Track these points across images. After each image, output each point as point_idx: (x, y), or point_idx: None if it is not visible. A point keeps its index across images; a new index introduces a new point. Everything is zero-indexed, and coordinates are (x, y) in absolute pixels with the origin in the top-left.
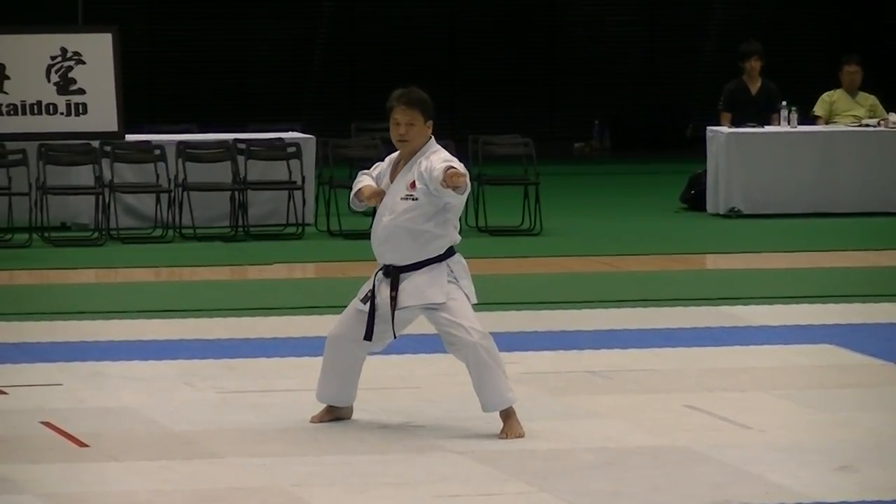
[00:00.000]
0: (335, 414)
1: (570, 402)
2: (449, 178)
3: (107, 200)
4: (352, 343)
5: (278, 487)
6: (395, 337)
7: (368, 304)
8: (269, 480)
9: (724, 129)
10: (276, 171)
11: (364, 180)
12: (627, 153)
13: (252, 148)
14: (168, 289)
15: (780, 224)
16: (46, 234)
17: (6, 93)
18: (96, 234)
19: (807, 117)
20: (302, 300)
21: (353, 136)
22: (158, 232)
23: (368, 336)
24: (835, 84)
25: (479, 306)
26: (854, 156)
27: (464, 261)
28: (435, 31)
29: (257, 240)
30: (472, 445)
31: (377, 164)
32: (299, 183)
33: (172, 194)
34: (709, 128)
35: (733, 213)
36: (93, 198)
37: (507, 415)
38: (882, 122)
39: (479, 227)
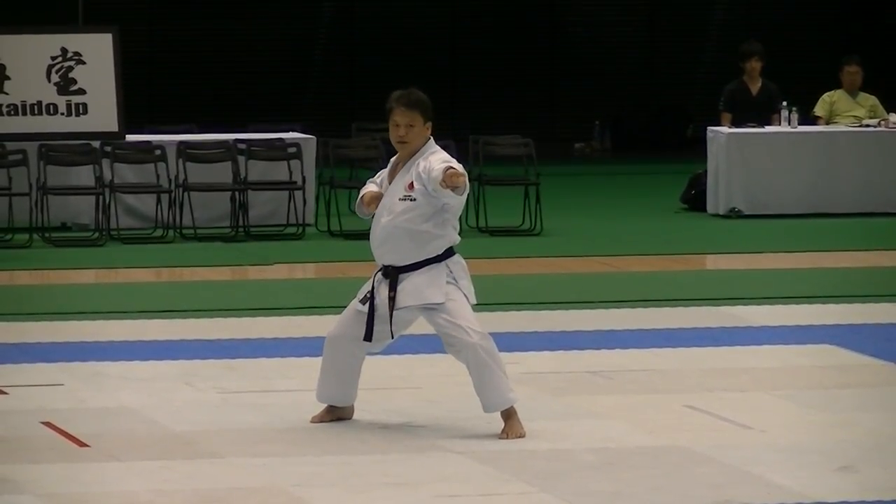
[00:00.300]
0: (336, 414)
1: (570, 403)
2: (448, 179)
3: (107, 201)
4: (351, 343)
5: (279, 487)
6: (392, 338)
7: (367, 304)
8: (269, 480)
9: (725, 129)
10: (277, 171)
11: (368, 187)
12: (628, 153)
13: (252, 148)
14: (168, 289)
15: (781, 224)
16: (47, 235)
17: (6, 93)
18: (97, 235)
19: (807, 118)
20: (302, 300)
21: (354, 137)
22: (159, 232)
23: (368, 337)
24: (835, 84)
25: (479, 306)
26: (854, 156)
27: (463, 261)
28: (435, 31)
29: (257, 240)
30: (473, 445)
31: (381, 171)
32: (300, 183)
33: (173, 194)
34: (709, 128)
35: (734, 214)
36: (93, 198)
37: (508, 415)
38: (882, 123)
39: (480, 228)
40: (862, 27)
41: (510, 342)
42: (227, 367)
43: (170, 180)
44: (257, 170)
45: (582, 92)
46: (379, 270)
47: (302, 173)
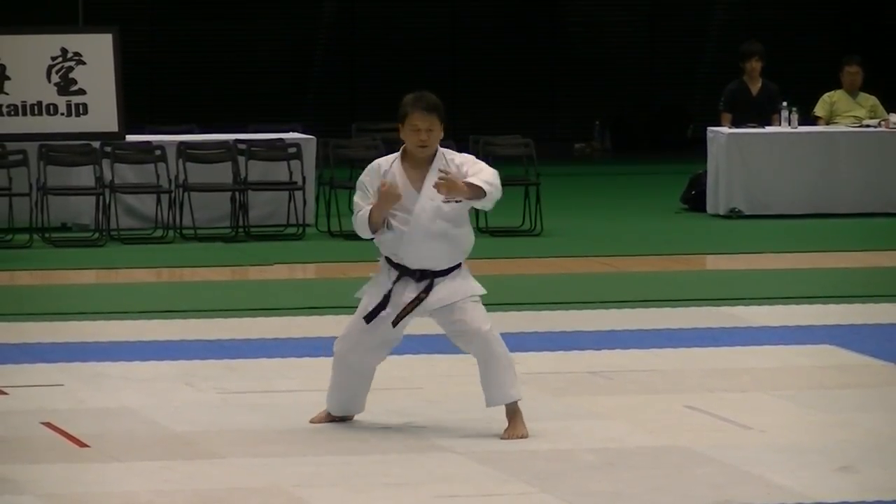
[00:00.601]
0: (338, 417)
1: (570, 403)
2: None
3: (107, 201)
4: (366, 355)
5: (279, 488)
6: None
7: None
8: (269, 481)
9: (725, 129)
10: (277, 171)
11: (365, 208)
12: (628, 154)
13: (252, 148)
14: (169, 289)
15: (781, 225)
16: (47, 235)
17: (7, 93)
18: (97, 235)
19: (807, 118)
20: (302, 301)
21: (354, 137)
22: (159, 232)
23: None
24: (836, 85)
25: None
26: (855, 156)
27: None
28: (436, 31)
29: (258, 240)
30: (473, 446)
31: (363, 182)
32: (300, 183)
33: (173, 195)
34: (709, 128)
35: (734, 214)
36: (93, 198)
37: (513, 415)
38: (883, 123)
39: (480, 228)
40: (862, 27)
41: (511, 342)
42: (228, 367)
43: (170, 180)
44: (257, 170)
45: (582, 92)
46: (399, 275)
47: (302, 173)
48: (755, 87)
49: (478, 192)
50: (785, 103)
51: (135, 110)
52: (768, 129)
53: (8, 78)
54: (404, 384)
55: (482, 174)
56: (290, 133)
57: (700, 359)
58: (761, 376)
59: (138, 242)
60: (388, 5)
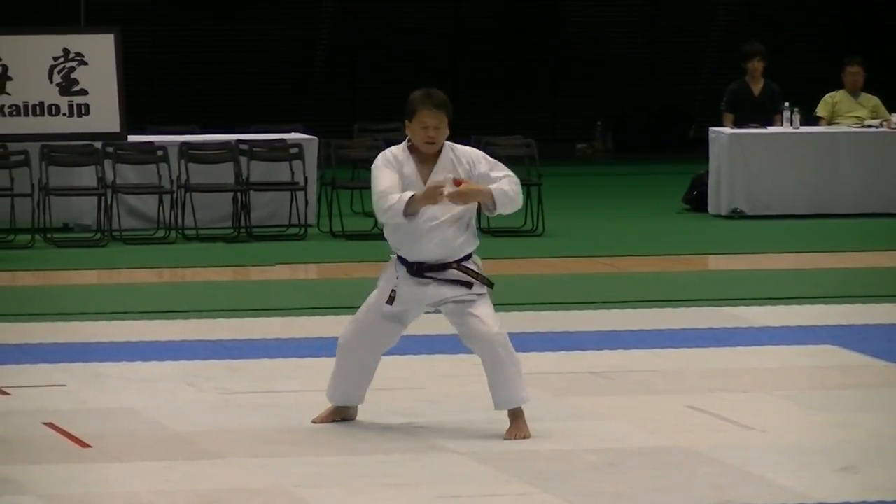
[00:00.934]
0: (339, 415)
1: (572, 403)
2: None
3: (109, 201)
4: (371, 347)
5: (281, 488)
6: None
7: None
8: (271, 481)
9: (727, 129)
10: (279, 171)
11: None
12: (630, 154)
13: (254, 149)
14: (170, 290)
15: (783, 225)
16: (49, 235)
17: (9, 94)
18: (99, 235)
19: (809, 118)
20: (304, 301)
21: (356, 137)
22: (161, 233)
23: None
24: (837, 85)
25: None
26: (856, 157)
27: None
28: (437, 31)
29: (259, 241)
30: (475, 446)
31: (384, 167)
32: (301, 184)
33: (175, 195)
34: (711, 128)
35: (736, 214)
36: (95, 199)
37: (516, 415)
38: (884, 123)
39: (482, 228)
40: (864, 27)
41: (512, 342)
42: (229, 367)
43: (172, 181)
44: (259, 170)
45: (584, 92)
46: (405, 267)
47: (304, 174)
48: (757, 87)
49: (489, 199)
50: (787, 103)
51: (137, 111)
52: (770, 129)
53: (10, 78)
54: (406, 384)
55: (503, 183)
56: (292, 133)
57: (701, 359)
58: (763, 377)
59: (140, 243)
60: (390, 5)
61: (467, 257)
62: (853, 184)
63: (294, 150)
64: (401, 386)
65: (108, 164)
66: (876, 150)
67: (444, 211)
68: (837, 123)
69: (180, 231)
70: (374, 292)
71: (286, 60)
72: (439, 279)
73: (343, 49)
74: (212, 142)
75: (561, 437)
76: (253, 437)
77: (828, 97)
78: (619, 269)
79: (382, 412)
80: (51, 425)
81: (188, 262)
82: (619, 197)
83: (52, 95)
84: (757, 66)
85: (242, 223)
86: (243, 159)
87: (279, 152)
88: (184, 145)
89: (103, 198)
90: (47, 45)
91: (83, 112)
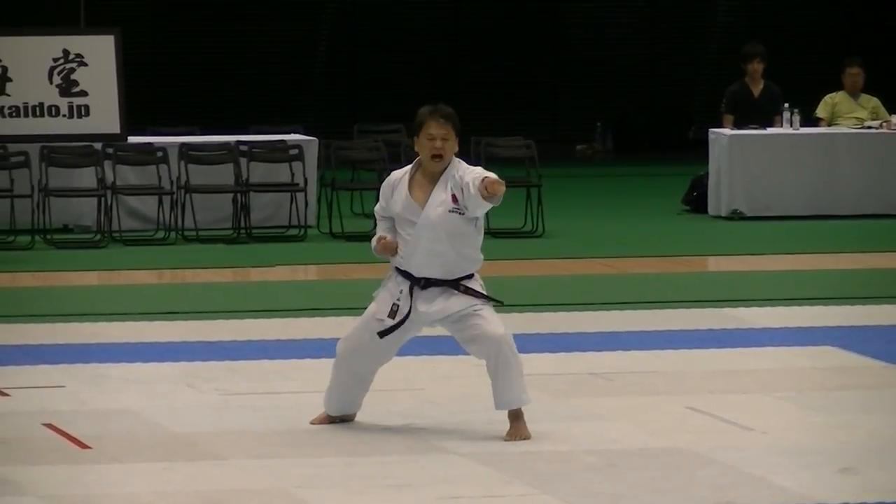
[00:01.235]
0: (336, 418)
1: (572, 404)
2: (490, 186)
3: (109, 202)
4: (370, 360)
5: (280, 489)
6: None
7: (398, 316)
8: (271, 482)
9: (727, 131)
10: (279, 173)
11: (381, 225)
12: (629, 155)
13: (254, 150)
14: (170, 291)
15: (782, 226)
16: (49, 237)
17: (8, 95)
18: (98, 237)
19: (809, 119)
20: (304, 302)
21: (356, 138)
22: (161, 234)
23: (384, 335)
24: (837, 86)
25: None
26: (856, 158)
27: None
28: (437, 32)
29: (259, 242)
30: (475, 447)
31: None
32: (301, 185)
33: (175, 196)
34: (711, 130)
35: (735, 216)
36: (95, 200)
37: (516, 416)
38: (884, 125)
39: None
40: (864, 29)
41: None
42: (229, 368)
43: (171, 182)
44: (259, 171)
45: (584, 93)
46: (409, 283)
47: (304, 175)
48: (757, 88)
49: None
50: (786, 105)
51: (136, 112)
52: (770, 130)
53: (10, 79)
54: (406, 385)
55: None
56: (292, 134)
57: (701, 360)
58: (762, 378)
59: (140, 244)
60: (390, 7)
61: (469, 276)
62: (853, 185)
63: (294, 152)
64: (401, 387)
65: (107, 165)
66: (876, 151)
67: (436, 229)
68: (837, 125)
69: (180, 232)
70: (372, 305)
71: (286, 61)
72: (445, 295)
73: (343, 50)
74: (212, 143)
75: (561, 439)
76: (252, 438)
77: (828, 98)
78: (618, 270)
79: (382, 413)
80: (50, 426)
81: (188, 264)
82: (618, 198)
83: (51, 96)
84: (757, 67)
85: (242, 224)
86: (243, 160)
87: (279, 153)
88: (184, 146)
89: (103, 199)
90: (47, 46)
91: (83, 113)
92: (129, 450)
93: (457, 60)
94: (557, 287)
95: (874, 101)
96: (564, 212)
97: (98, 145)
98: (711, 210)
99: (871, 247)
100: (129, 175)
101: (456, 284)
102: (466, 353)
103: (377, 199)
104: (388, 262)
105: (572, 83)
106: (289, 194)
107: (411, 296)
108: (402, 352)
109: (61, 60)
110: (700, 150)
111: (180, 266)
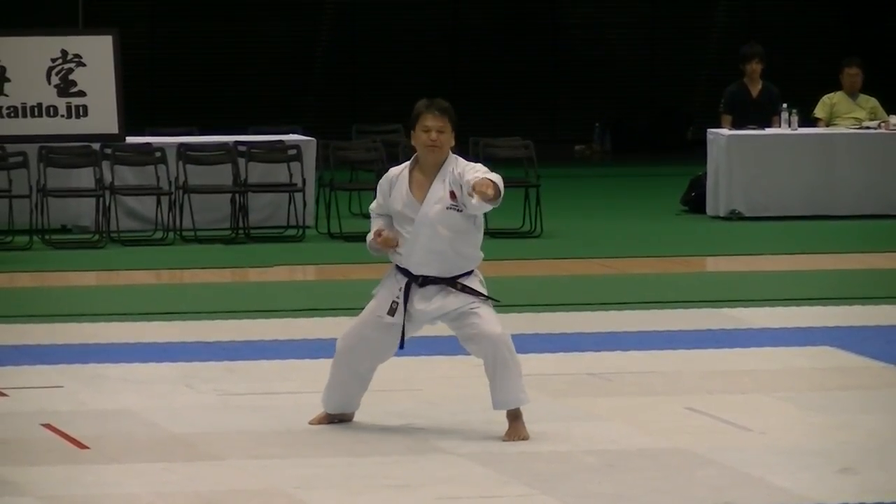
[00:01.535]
0: (335, 417)
1: (570, 405)
2: (478, 186)
3: (107, 203)
4: (370, 356)
5: (279, 489)
6: (401, 347)
7: (397, 314)
8: (270, 482)
9: (725, 131)
10: (277, 173)
11: (376, 225)
12: (628, 156)
13: (252, 150)
14: (168, 291)
15: (781, 226)
16: (47, 237)
17: (7, 95)
18: (97, 237)
19: (807, 120)
20: (302, 303)
21: (354, 139)
22: (159, 234)
23: (402, 345)
24: (836, 86)
25: None
26: (855, 158)
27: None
28: (436, 33)
29: (258, 242)
30: (474, 447)
31: (378, 191)
32: (300, 185)
33: (173, 197)
34: (709, 130)
35: (734, 216)
36: (93, 200)
37: (514, 417)
38: (883, 125)
39: None
40: (862, 29)
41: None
42: (228, 369)
43: (170, 182)
44: (257, 172)
45: (582, 94)
46: (408, 280)
47: (302, 175)
48: (755, 88)
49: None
50: (785, 105)
51: (135, 112)
52: (768, 130)
53: (8, 80)
54: (405, 386)
55: (490, 174)
56: (290, 135)
57: (700, 360)
58: (761, 378)
59: (138, 244)
60: (389, 7)
61: (468, 274)
62: (851, 185)
63: (292, 152)
64: (400, 387)
65: (106, 165)
66: (874, 151)
67: (435, 226)
68: (836, 125)
69: (178, 232)
70: (372, 302)
71: (285, 62)
72: (443, 293)
73: (342, 50)
74: (210, 143)
75: (559, 439)
76: (251, 438)
77: (826, 98)
78: (617, 271)
79: (381, 413)
80: (49, 427)
81: (186, 264)
82: (617, 198)
83: (50, 97)
84: (755, 67)
85: (240, 224)
86: (241, 161)
87: (277, 154)
88: (182, 147)
89: (101, 199)
90: (45, 47)
91: (81, 113)
92: (128, 450)
93: (456, 60)
94: (556, 287)
95: (872, 102)
96: (563, 212)
97: (96, 145)
98: (710, 210)
99: (870, 247)
100: (128, 175)
101: (454, 282)
102: (466, 354)
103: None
104: (386, 261)
105: (571, 83)
106: (287, 195)
107: (409, 293)
108: (402, 352)
109: (59, 61)
110: (698, 150)
111: (179, 266)
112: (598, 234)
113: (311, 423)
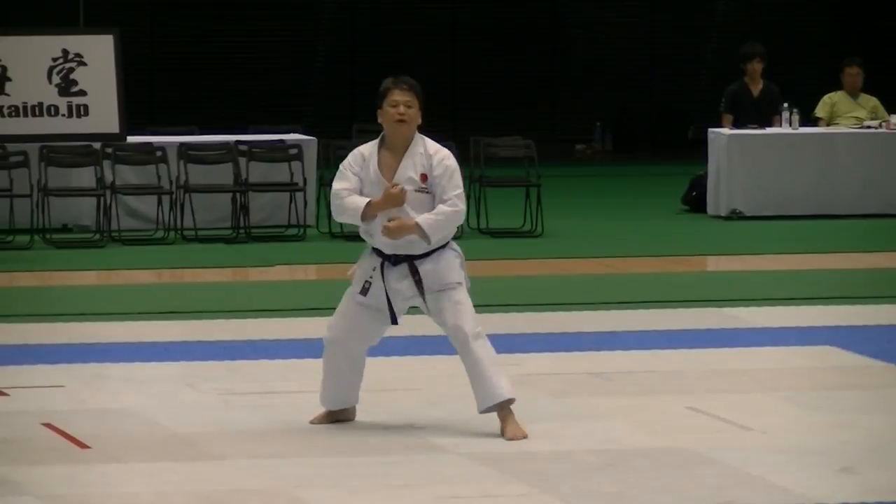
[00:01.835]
0: (336, 416)
1: (571, 404)
2: (384, 230)
3: (108, 202)
4: (355, 341)
5: (280, 489)
6: (397, 322)
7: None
8: (270, 482)
9: (726, 130)
10: (278, 172)
11: (354, 198)
12: (629, 155)
13: (253, 149)
14: (169, 290)
15: (781, 226)
16: (48, 236)
17: (8, 94)
18: (98, 236)
19: (808, 119)
20: (303, 302)
21: (355, 138)
22: (160, 234)
23: (395, 320)
24: (836, 86)
25: (480, 308)
26: (855, 157)
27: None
28: (436, 32)
29: (258, 241)
30: (474, 447)
31: (346, 168)
32: (300, 185)
33: (174, 196)
34: (710, 129)
35: (734, 215)
36: (94, 199)
37: (505, 415)
38: (884, 124)
39: (481, 229)
40: (863, 29)
41: (511, 344)
42: (229, 368)
43: (171, 182)
44: (258, 171)
45: (583, 93)
46: (381, 260)
47: (303, 175)
48: (756, 88)
49: (423, 234)
50: (786, 104)
51: (136, 111)
52: (769, 130)
53: (9, 79)
54: (405, 385)
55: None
56: (291, 134)
57: (700, 360)
58: (762, 377)
59: (139, 244)
60: (389, 7)
61: (443, 247)
62: (852, 185)
63: (293, 151)
64: (400, 387)
65: (107, 164)
66: (875, 150)
67: (415, 209)
68: (836, 124)
69: (179, 232)
70: (353, 284)
71: (286, 61)
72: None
73: (342, 50)
74: (211, 143)
75: (560, 438)
76: (252, 437)
77: (827, 98)
78: (617, 270)
79: (381, 413)
80: (50, 426)
81: (187, 263)
82: (617, 198)
83: (51, 96)
84: (756, 67)
85: (241, 224)
86: (242, 160)
87: (278, 153)
88: (183, 146)
89: (102, 198)
90: (46, 46)
91: (82, 113)
92: (129, 450)
93: (456, 60)
94: (556, 287)
95: (873, 101)
96: (563, 211)
97: (97, 145)
98: (710, 210)
99: (871, 246)
100: (129, 175)
101: (428, 256)
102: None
103: None
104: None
105: (571, 83)
106: (288, 194)
107: (383, 272)
108: (402, 352)
109: (60, 60)
110: (699, 149)
111: (179, 266)
112: (599, 233)
113: (312, 422)
